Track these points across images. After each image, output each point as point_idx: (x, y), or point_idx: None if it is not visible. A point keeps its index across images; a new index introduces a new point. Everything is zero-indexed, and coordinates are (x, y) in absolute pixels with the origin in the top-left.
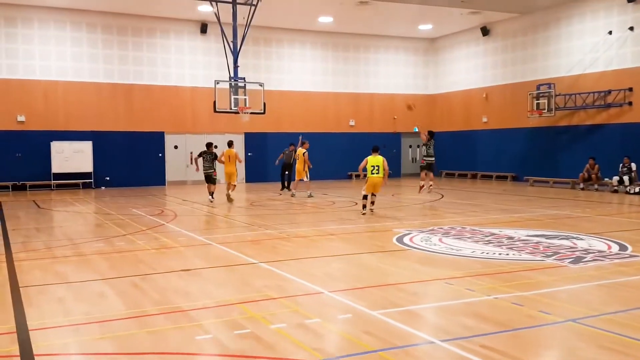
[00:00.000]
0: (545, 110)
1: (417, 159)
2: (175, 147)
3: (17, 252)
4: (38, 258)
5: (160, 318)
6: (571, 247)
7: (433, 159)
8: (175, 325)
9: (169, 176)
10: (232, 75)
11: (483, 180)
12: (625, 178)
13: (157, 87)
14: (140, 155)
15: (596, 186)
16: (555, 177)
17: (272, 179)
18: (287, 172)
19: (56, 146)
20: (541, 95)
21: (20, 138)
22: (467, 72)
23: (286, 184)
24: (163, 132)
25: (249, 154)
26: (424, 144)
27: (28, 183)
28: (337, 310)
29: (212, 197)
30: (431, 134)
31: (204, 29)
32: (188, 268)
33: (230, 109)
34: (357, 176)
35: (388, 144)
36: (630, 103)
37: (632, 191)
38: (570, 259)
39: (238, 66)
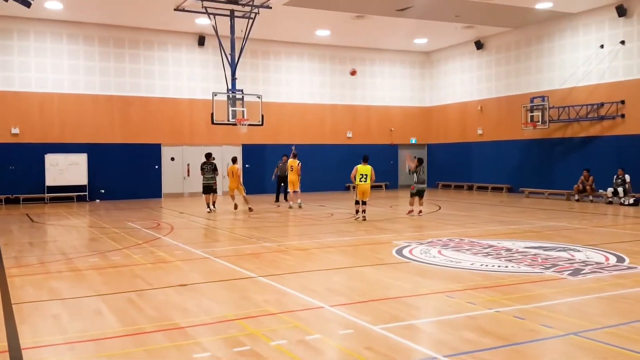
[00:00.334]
0: (540, 123)
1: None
2: (172, 159)
3: (9, 268)
4: (31, 273)
5: (157, 335)
6: (569, 259)
7: (424, 185)
8: (172, 342)
9: (166, 188)
10: (229, 87)
11: (479, 192)
12: (620, 189)
13: (154, 99)
14: (136, 168)
15: (591, 197)
16: (550, 188)
17: (270, 191)
18: (282, 184)
19: (50, 159)
20: (535, 107)
21: (14, 150)
22: (462, 85)
23: (283, 196)
24: (160, 144)
25: (247, 165)
26: (413, 172)
27: (21, 196)
28: (338, 325)
29: (214, 207)
30: (420, 161)
31: (201, 41)
32: (185, 283)
33: (228, 120)
34: (354, 187)
35: (385, 155)
36: (622, 115)
37: (626, 202)
38: (569, 271)
39: (236, 78)
